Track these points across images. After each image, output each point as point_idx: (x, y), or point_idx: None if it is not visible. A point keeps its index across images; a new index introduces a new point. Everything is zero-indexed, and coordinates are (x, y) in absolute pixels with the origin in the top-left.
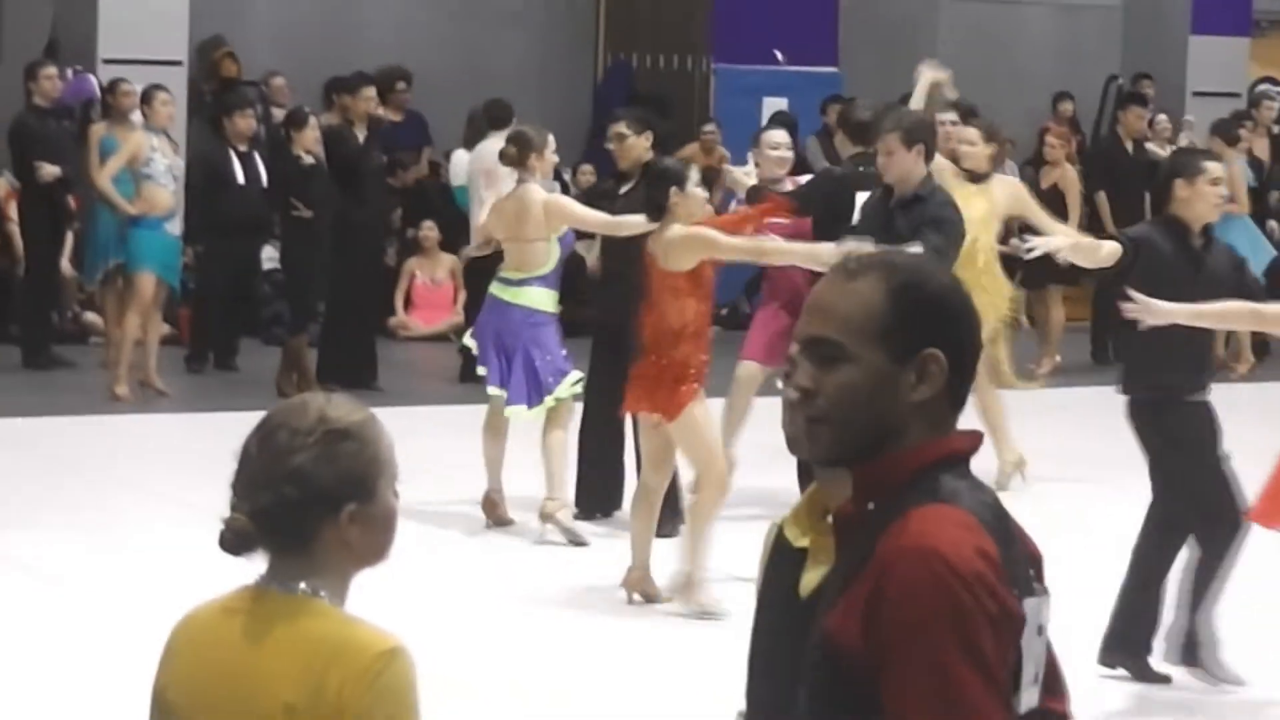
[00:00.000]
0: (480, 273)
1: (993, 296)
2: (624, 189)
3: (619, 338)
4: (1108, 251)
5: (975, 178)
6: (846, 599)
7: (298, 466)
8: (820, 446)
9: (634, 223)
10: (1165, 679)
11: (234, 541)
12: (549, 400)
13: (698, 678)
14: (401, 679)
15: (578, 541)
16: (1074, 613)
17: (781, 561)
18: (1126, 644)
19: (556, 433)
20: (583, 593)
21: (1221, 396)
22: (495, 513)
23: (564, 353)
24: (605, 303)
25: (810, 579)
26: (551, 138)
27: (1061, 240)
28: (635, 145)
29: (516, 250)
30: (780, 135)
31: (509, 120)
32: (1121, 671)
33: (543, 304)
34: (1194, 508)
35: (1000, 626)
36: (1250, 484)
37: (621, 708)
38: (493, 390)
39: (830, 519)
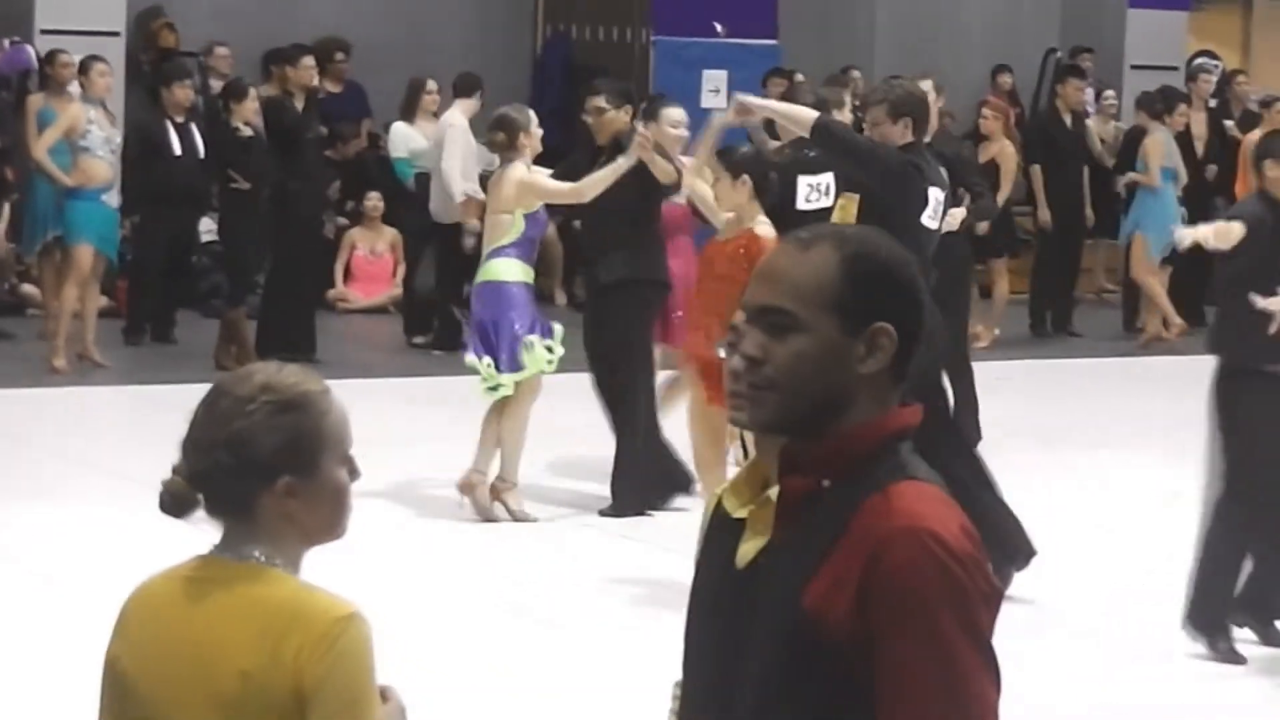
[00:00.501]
0: (424, 242)
1: None
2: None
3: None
4: (1236, 233)
5: None
6: (826, 577)
7: (235, 433)
8: (765, 413)
9: (595, 180)
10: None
11: (171, 503)
12: (503, 377)
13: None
14: (359, 644)
15: (524, 519)
16: (1029, 585)
17: (719, 533)
18: None
19: (517, 413)
20: (547, 572)
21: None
22: (473, 494)
23: (527, 323)
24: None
25: (747, 550)
26: (532, 113)
27: (1206, 230)
28: (615, 119)
29: (487, 225)
30: (679, 113)
31: (475, 89)
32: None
33: (503, 274)
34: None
35: (991, 604)
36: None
37: (601, 688)
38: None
39: (774, 495)
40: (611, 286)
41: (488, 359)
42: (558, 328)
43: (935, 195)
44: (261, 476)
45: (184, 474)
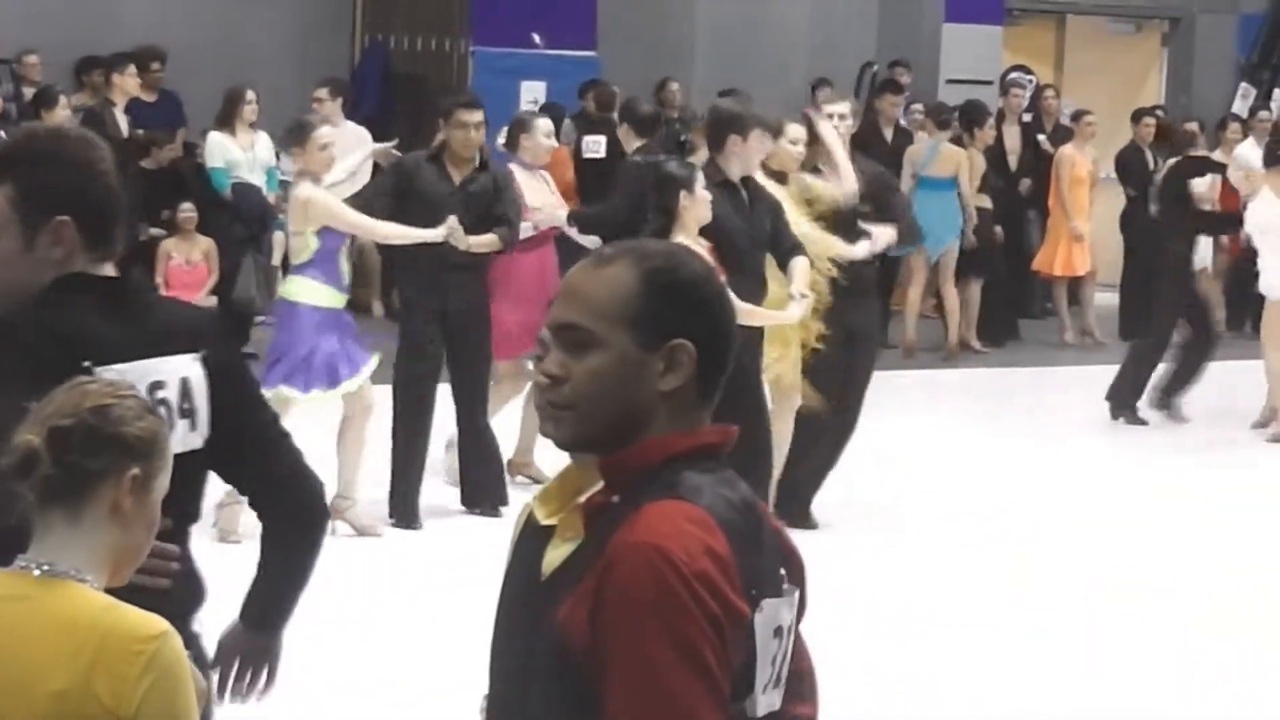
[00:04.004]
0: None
1: None
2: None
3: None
4: None
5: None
6: (577, 591)
7: (106, 405)
8: (564, 432)
9: (396, 231)
10: None
11: (18, 462)
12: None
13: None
14: (177, 661)
15: (370, 534)
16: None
17: (529, 540)
18: None
19: (349, 432)
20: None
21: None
22: (342, 517)
23: (314, 353)
24: None
25: (552, 558)
26: (326, 128)
27: None
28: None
29: (289, 243)
30: (547, 124)
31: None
32: None
33: (292, 294)
34: None
35: (720, 628)
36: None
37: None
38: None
39: (581, 505)
40: None
41: (286, 388)
42: (366, 367)
43: None
44: (118, 455)
45: (38, 432)
